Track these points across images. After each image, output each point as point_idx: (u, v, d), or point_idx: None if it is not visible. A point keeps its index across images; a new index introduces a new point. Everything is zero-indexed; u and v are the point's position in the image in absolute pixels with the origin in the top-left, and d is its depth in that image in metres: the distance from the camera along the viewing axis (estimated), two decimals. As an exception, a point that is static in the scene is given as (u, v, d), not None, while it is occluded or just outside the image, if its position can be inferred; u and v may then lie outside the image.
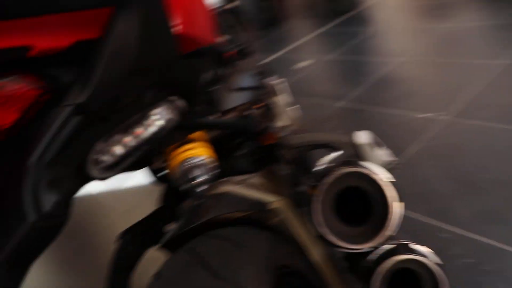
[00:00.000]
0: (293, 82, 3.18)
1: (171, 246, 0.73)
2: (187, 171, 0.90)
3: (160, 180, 1.12)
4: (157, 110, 0.32)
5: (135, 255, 0.98)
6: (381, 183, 0.58)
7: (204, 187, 0.87)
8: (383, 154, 0.83)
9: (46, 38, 0.42)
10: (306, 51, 3.89)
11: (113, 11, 0.46)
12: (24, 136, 0.43)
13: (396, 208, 0.58)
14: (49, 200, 0.37)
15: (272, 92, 1.48)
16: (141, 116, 0.33)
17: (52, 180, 0.38)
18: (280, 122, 1.23)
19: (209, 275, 0.53)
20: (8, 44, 0.39)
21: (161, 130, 0.32)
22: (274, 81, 1.53)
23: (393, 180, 0.60)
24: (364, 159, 0.82)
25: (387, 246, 0.62)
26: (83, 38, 0.46)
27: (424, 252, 0.64)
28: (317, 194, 0.62)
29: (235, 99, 1.10)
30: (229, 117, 1.13)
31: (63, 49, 0.44)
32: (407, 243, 0.63)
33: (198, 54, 0.76)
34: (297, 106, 1.49)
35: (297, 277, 0.76)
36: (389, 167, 0.83)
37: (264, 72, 1.36)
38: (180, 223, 0.75)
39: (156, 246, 0.75)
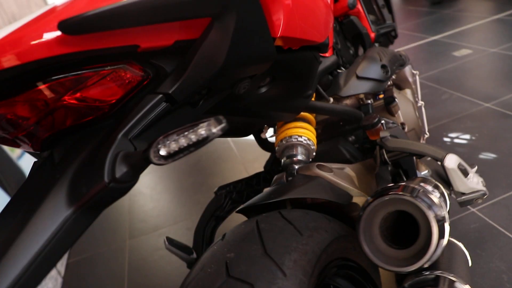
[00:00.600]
0: (443, 71, 2.98)
1: (248, 212, 0.84)
2: (288, 147, 1.00)
3: (266, 148, 1.24)
4: (205, 124, 0.40)
5: (224, 210, 1.12)
6: (429, 217, 0.60)
7: (299, 166, 0.95)
8: (473, 182, 0.82)
9: (152, 38, 0.52)
10: (472, 38, 3.56)
11: (210, 20, 0.55)
12: (122, 112, 0.54)
13: (435, 242, 0.59)
14: (121, 169, 0.48)
15: (398, 86, 1.46)
16: (194, 124, 0.42)
17: (127, 154, 0.49)
18: (395, 119, 1.23)
19: (260, 249, 0.62)
20: (120, 43, 0.49)
21: (203, 141, 0.40)
22: (406, 72, 1.49)
23: (446, 216, 0.61)
24: (450, 182, 0.81)
25: (427, 277, 0.64)
26: (183, 38, 0.55)
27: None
28: (364, 212, 0.66)
29: (357, 87, 1.13)
30: (344, 103, 1.18)
31: (164, 47, 0.54)
32: (451, 278, 0.63)
33: (308, 48, 0.82)
34: (422, 103, 1.44)
35: (354, 271, 0.81)
36: (474, 197, 0.82)
37: (398, 61, 1.33)
38: (263, 195, 0.84)
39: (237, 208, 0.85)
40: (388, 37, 1.74)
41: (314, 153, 1.03)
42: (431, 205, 0.61)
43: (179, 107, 0.58)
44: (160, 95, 0.54)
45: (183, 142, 0.41)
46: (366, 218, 0.67)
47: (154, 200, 2.37)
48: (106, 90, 0.52)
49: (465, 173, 0.79)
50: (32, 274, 0.46)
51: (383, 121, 1.00)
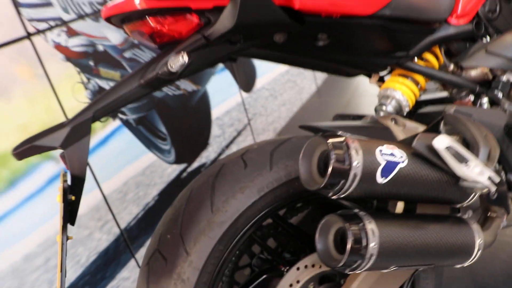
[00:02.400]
0: None
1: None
2: (384, 96, 1.09)
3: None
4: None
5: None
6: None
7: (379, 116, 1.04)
8: (473, 171, 0.76)
9: (198, 3, 0.78)
10: None
11: None
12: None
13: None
14: (163, 69, 0.78)
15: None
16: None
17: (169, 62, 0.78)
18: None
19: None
20: (178, 4, 0.77)
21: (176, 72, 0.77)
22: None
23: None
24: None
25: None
26: (218, 4, 0.79)
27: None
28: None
29: (480, 60, 1.09)
30: (468, 74, 1.12)
31: (207, 8, 0.80)
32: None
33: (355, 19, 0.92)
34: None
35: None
36: (474, 186, 0.77)
37: None
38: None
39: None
40: None
41: (407, 109, 1.09)
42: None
43: (218, 43, 0.83)
44: (200, 35, 0.81)
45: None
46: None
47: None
48: (179, 27, 0.81)
49: (461, 159, 0.74)
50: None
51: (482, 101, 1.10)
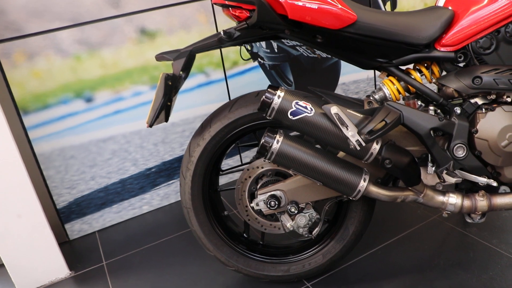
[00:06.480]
0: None
1: None
2: (378, 87, 1.47)
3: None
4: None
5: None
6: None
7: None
8: (348, 133, 1.25)
9: (246, 5, 1.31)
10: None
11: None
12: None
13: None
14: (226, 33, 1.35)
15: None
16: None
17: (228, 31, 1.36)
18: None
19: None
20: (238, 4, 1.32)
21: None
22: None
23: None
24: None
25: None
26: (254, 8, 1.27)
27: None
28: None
29: (447, 80, 1.37)
30: (444, 89, 1.42)
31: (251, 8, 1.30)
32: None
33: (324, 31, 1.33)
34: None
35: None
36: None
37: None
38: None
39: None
40: None
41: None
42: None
43: (253, 28, 1.33)
44: (245, 23, 1.31)
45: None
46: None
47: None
48: (240, 16, 1.32)
49: (343, 123, 1.23)
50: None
51: (419, 103, 1.43)
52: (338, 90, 2.70)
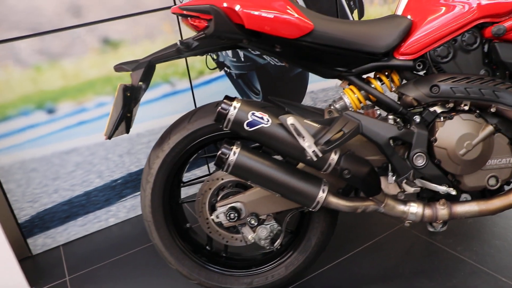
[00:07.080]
0: None
1: None
2: (339, 97, 1.48)
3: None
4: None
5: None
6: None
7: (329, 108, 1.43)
8: (305, 144, 1.23)
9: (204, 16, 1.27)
10: None
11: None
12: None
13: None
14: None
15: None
16: None
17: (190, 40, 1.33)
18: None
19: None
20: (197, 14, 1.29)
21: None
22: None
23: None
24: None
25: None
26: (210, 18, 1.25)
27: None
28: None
29: (405, 88, 1.36)
30: (404, 98, 1.38)
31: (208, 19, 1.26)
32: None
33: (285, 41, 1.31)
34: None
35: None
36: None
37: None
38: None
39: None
40: None
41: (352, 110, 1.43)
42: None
43: (210, 38, 1.29)
44: (203, 33, 1.28)
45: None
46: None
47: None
48: (198, 25, 1.30)
49: (299, 134, 1.22)
50: None
51: (378, 112, 1.41)
52: (307, 99, 2.70)
